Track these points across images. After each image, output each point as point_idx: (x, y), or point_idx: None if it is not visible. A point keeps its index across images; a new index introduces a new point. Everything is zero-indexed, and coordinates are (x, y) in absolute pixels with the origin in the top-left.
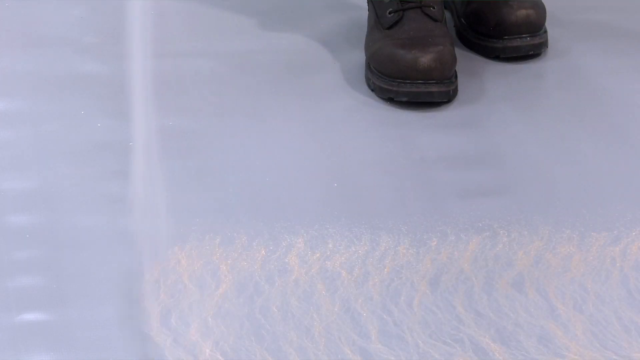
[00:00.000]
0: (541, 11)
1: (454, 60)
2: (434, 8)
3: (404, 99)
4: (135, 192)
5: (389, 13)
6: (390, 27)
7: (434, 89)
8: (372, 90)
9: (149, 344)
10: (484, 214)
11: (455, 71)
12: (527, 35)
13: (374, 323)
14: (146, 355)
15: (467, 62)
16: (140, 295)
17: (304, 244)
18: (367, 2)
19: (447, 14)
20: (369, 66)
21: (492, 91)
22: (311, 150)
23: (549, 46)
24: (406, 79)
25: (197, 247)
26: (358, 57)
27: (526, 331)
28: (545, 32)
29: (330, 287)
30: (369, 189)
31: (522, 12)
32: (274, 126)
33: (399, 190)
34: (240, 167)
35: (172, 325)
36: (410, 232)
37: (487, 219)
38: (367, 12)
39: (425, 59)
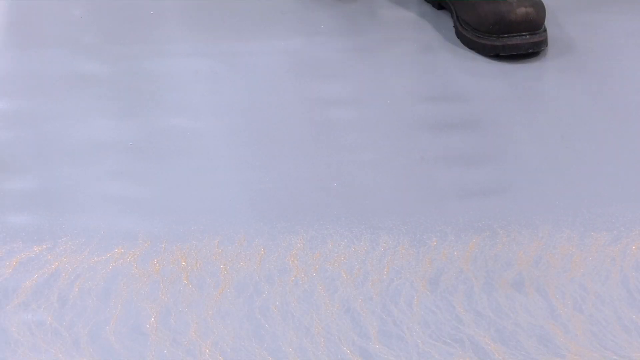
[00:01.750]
0: (541, 9)
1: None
2: None
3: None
4: (135, 192)
5: None
6: None
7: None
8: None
9: (149, 344)
10: (484, 214)
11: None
12: (527, 33)
13: (374, 323)
14: (146, 355)
15: (467, 62)
16: (140, 295)
17: (304, 244)
18: None
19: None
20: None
21: (492, 91)
22: (311, 150)
23: (549, 45)
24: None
25: (197, 247)
26: (358, 56)
27: (526, 331)
28: (545, 30)
29: (330, 287)
30: (369, 189)
31: (521, 10)
32: (273, 126)
33: (399, 190)
34: (240, 167)
35: (172, 325)
36: (410, 232)
37: (487, 219)
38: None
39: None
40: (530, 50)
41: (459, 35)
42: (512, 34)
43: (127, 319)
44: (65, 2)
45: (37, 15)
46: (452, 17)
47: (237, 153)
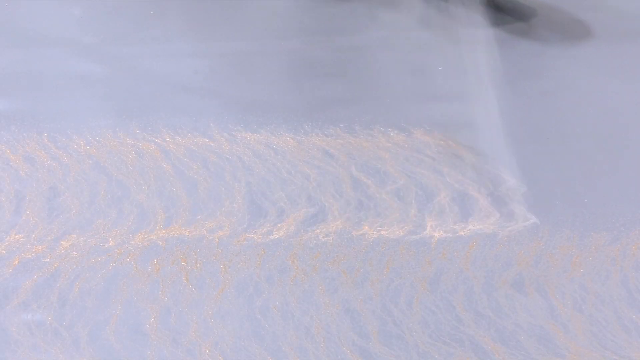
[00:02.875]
0: None
1: None
2: None
3: None
4: (135, 192)
5: None
6: None
7: None
8: None
9: (149, 344)
10: (484, 217)
11: None
12: None
13: (374, 323)
14: (146, 355)
15: (466, 62)
16: (140, 295)
17: (304, 244)
18: None
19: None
20: None
21: (492, 91)
22: (311, 150)
23: (548, 46)
24: None
25: (197, 247)
26: (357, 56)
27: (526, 331)
28: None
29: (330, 287)
30: (369, 189)
31: None
32: (273, 126)
33: (399, 190)
34: (240, 167)
35: (172, 325)
36: (409, 231)
37: (487, 220)
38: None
39: None
40: None
41: None
42: None
43: (127, 319)
44: (65, 2)
45: (37, 15)
46: None
47: (237, 153)
